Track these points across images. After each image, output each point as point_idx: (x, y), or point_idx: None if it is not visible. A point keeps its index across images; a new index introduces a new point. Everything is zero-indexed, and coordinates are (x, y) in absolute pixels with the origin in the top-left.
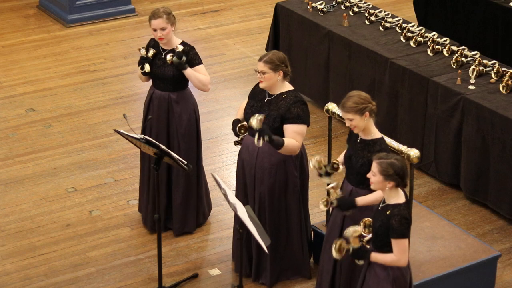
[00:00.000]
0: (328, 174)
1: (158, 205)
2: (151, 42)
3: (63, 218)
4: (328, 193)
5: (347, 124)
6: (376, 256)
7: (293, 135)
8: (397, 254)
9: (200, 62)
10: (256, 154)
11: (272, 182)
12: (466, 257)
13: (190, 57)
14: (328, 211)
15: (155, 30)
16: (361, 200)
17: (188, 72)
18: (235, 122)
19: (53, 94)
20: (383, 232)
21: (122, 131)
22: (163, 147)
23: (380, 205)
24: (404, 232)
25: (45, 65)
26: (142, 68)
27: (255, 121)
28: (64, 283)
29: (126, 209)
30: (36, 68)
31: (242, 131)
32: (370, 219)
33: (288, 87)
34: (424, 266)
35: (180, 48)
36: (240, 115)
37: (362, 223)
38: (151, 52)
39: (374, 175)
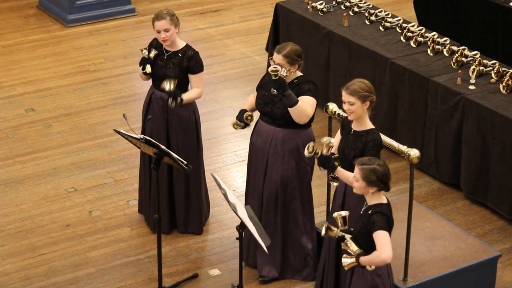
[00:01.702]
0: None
1: (158, 205)
2: (153, 42)
3: (63, 218)
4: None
5: (345, 108)
6: (363, 259)
7: (304, 105)
8: (379, 247)
9: (201, 70)
10: (270, 141)
11: (285, 169)
12: (466, 257)
13: (193, 63)
14: (328, 211)
15: (158, 31)
16: (340, 172)
17: (185, 102)
18: (242, 111)
19: (53, 94)
20: (365, 233)
21: (122, 131)
22: (163, 147)
23: (362, 209)
24: (384, 226)
25: (45, 65)
26: (144, 68)
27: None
28: (64, 283)
29: (126, 209)
30: (36, 68)
31: (249, 118)
32: (346, 212)
33: (298, 74)
34: (424, 266)
35: (173, 85)
36: (248, 106)
37: (337, 215)
38: (153, 53)
39: (357, 181)
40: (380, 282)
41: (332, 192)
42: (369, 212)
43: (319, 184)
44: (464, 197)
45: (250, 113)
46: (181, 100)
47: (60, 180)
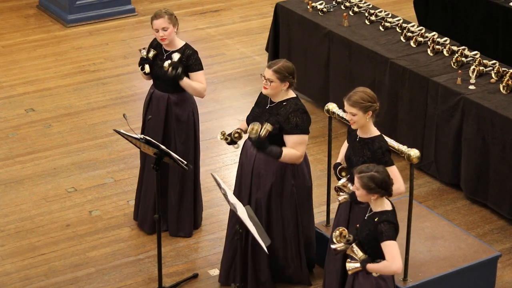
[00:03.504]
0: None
1: (158, 205)
2: (153, 42)
3: (63, 218)
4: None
5: (347, 118)
6: (371, 267)
7: (293, 146)
8: (389, 258)
9: (200, 68)
10: (253, 161)
11: (267, 189)
12: (466, 257)
13: (192, 61)
14: (328, 211)
15: (157, 30)
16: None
17: (184, 82)
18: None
19: (53, 94)
20: (372, 239)
21: (122, 131)
22: (163, 147)
23: (367, 215)
24: (392, 235)
25: (45, 65)
26: (142, 69)
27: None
28: (64, 283)
29: (126, 209)
30: (36, 68)
31: (237, 136)
32: (346, 230)
33: (290, 94)
34: (424, 266)
35: (177, 57)
36: (244, 126)
37: (338, 232)
38: (152, 53)
39: (358, 189)
40: (385, 286)
41: (332, 192)
42: (376, 219)
43: (319, 184)
44: (464, 197)
45: (239, 131)
46: (181, 71)
47: (60, 180)
